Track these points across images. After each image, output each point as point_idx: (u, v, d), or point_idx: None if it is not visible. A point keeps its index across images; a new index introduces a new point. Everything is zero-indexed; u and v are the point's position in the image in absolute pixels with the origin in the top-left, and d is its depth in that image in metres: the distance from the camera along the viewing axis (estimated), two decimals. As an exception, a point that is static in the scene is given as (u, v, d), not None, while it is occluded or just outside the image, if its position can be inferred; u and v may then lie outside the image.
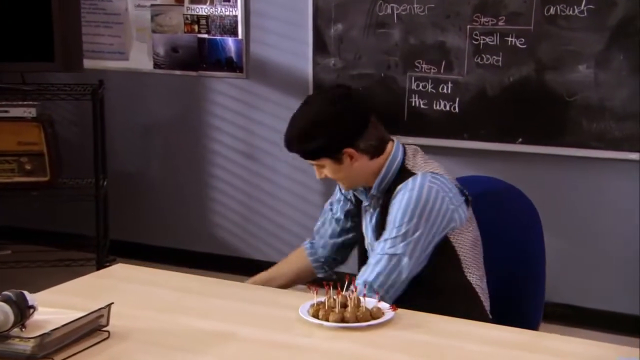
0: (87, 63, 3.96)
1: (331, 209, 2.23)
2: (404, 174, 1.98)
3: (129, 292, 1.97)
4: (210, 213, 4.26)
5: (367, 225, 2.08)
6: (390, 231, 1.94)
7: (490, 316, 2.05)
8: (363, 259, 2.08)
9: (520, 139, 3.52)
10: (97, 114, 3.71)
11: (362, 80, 3.72)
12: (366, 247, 2.09)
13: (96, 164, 3.75)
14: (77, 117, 4.34)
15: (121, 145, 4.31)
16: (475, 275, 2.03)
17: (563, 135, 3.44)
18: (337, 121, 1.96)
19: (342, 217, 2.21)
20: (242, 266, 4.23)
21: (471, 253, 2.01)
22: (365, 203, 2.08)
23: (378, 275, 1.92)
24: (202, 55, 4.06)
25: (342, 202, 2.22)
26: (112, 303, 1.69)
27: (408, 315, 1.79)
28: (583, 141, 3.42)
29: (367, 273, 1.93)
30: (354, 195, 2.18)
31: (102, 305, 1.68)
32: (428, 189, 1.93)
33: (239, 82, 4.04)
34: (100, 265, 3.66)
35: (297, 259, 2.26)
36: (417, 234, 1.91)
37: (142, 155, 4.37)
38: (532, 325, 2.04)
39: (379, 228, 2.00)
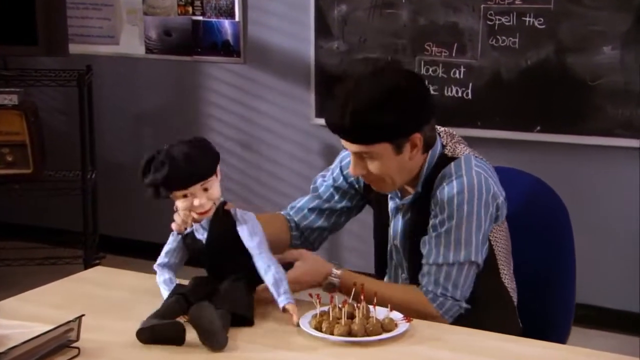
0: (75, 48, 3.91)
1: (332, 196, 1.99)
2: (443, 160, 1.79)
3: (106, 300, 1.82)
4: None
5: (398, 225, 1.88)
6: (449, 232, 1.75)
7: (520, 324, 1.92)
8: (383, 259, 1.94)
9: (538, 127, 3.43)
10: (83, 101, 3.61)
11: (368, 65, 3.59)
12: (395, 246, 1.90)
13: (83, 155, 3.65)
14: (64, 105, 4.25)
15: (111, 135, 4.25)
16: (508, 277, 1.88)
17: (585, 123, 3.35)
18: (416, 98, 1.72)
19: (342, 209, 1.99)
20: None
21: (504, 251, 1.87)
22: (397, 202, 1.87)
23: (455, 286, 1.77)
24: (196, 38, 3.98)
25: (342, 191, 1.98)
26: (83, 315, 1.54)
27: (424, 327, 1.66)
28: (607, 129, 3.32)
29: (440, 286, 1.77)
30: (366, 190, 1.96)
31: (72, 317, 1.53)
32: (477, 174, 1.75)
33: (236, 68, 3.97)
34: (88, 263, 3.61)
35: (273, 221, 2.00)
36: (481, 231, 1.75)
37: (134, 146, 4.28)
38: (562, 334, 1.95)
39: (418, 226, 1.81)
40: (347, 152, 1.90)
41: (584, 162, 3.44)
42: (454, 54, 3.49)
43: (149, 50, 4.08)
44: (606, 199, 3.44)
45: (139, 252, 3.97)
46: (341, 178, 1.96)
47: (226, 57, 3.94)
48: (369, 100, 1.68)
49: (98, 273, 2.07)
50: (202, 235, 1.70)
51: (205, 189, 1.65)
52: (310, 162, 3.89)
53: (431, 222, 1.77)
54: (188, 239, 1.72)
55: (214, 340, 1.53)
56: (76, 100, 3.62)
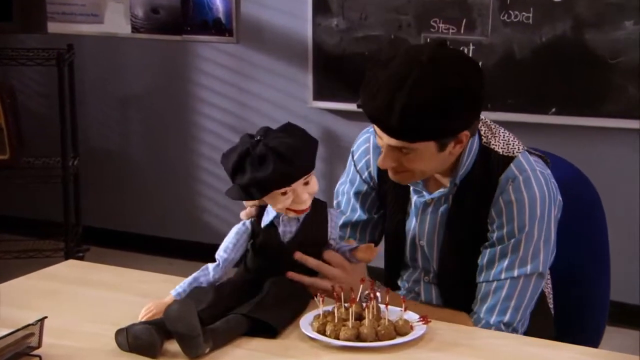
0: (57, 27, 3.91)
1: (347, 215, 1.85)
2: (487, 154, 1.65)
3: (76, 299, 1.69)
4: (198, 196, 4.13)
5: (426, 222, 1.74)
6: (518, 245, 1.64)
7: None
8: (397, 261, 1.80)
9: (553, 109, 3.35)
10: (64, 81, 3.53)
11: (370, 44, 3.55)
12: (421, 247, 1.76)
13: (64, 140, 3.56)
14: (44, 88, 4.21)
15: (95, 120, 4.21)
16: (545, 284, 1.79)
17: (605, 104, 3.28)
18: (473, 98, 1.56)
19: (365, 215, 1.84)
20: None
21: None
22: (426, 196, 1.73)
23: (516, 309, 1.65)
24: (186, 16, 3.92)
25: (362, 195, 1.83)
26: (46, 317, 1.41)
27: (444, 329, 1.54)
28: (628, 110, 3.23)
29: (497, 311, 1.65)
30: (380, 181, 1.80)
31: (34, 320, 1.40)
32: (543, 177, 1.64)
33: (229, 48, 3.91)
34: (70, 256, 3.53)
35: None
36: (550, 240, 1.66)
37: (119, 131, 4.26)
38: (596, 334, 1.88)
39: (455, 222, 1.70)
40: (359, 145, 1.80)
41: (603, 146, 3.36)
42: (462, 31, 3.43)
43: (135, 29, 4.02)
44: (628, 185, 3.33)
45: (127, 244, 4.12)
46: (357, 178, 1.81)
47: (218, 36, 3.88)
48: (423, 100, 1.51)
49: (69, 268, 1.92)
50: (288, 228, 1.56)
51: (306, 183, 1.53)
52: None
53: (495, 234, 1.64)
54: (261, 228, 1.57)
55: (186, 346, 1.39)
56: (57, 81, 3.56)
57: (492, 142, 1.65)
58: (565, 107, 3.32)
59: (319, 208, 1.57)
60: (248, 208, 1.58)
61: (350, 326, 1.46)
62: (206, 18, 3.86)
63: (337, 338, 1.45)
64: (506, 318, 1.63)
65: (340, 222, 1.80)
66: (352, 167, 1.80)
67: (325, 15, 3.61)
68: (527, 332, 1.64)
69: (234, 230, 1.57)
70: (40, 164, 3.74)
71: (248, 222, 1.57)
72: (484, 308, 1.64)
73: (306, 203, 1.53)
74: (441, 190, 1.68)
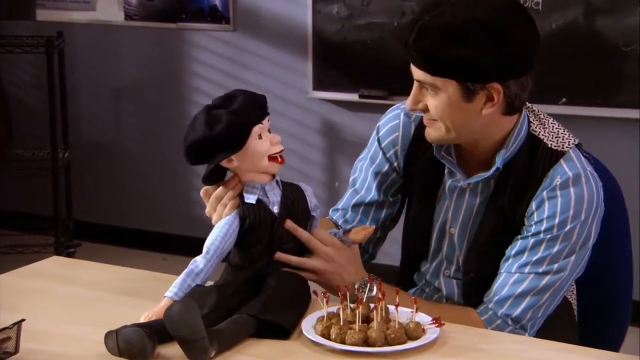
0: (47, 14, 3.93)
1: (355, 189, 1.78)
2: (535, 144, 1.58)
3: (61, 299, 1.62)
4: (194, 190, 4.07)
5: (460, 208, 1.67)
6: (552, 242, 1.57)
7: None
8: (419, 249, 1.73)
9: (563, 99, 3.31)
10: (53, 70, 3.53)
11: (372, 31, 3.51)
12: (450, 234, 1.69)
13: (53, 131, 3.52)
14: (34, 78, 4.18)
15: (87, 111, 4.20)
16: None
17: (618, 94, 3.23)
18: (505, 41, 1.49)
19: (380, 197, 1.75)
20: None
21: None
22: (463, 181, 1.64)
23: (530, 306, 1.57)
24: (181, 3, 3.91)
25: (382, 175, 1.75)
26: (24, 320, 1.34)
27: (459, 332, 1.47)
28: None
29: (509, 303, 1.58)
30: (406, 163, 1.72)
31: (10, 323, 1.33)
32: (593, 178, 1.57)
33: (225, 36, 3.91)
34: (60, 252, 3.52)
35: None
36: (588, 244, 1.59)
37: (112, 122, 4.25)
38: (618, 335, 1.81)
39: (496, 213, 1.62)
40: (387, 121, 1.72)
41: (616, 138, 3.29)
42: (468, 18, 3.38)
43: (128, 16, 4.01)
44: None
45: (120, 239, 4.12)
46: (380, 156, 1.73)
47: (214, 23, 3.88)
48: (444, 23, 1.49)
49: (54, 264, 1.84)
50: (273, 198, 1.51)
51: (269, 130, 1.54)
52: (308, 140, 3.79)
53: (533, 228, 1.57)
54: (251, 210, 1.50)
55: (190, 350, 1.31)
56: (46, 71, 3.54)
57: (541, 133, 1.58)
58: (576, 97, 3.28)
59: (287, 184, 1.53)
60: (230, 202, 1.50)
61: (357, 329, 1.38)
62: (202, 5, 3.85)
63: (343, 342, 1.38)
64: (516, 313, 1.55)
65: (353, 201, 1.73)
66: (376, 144, 1.72)
67: (326, 1, 3.57)
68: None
69: (223, 220, 1.50)
70: (29, 156, 3.72)
71: (235, 212, 1.49)
72: (496, 298, 1.56)
73: (280, 144, 1.49)
74: (481, 174, 1.59)
